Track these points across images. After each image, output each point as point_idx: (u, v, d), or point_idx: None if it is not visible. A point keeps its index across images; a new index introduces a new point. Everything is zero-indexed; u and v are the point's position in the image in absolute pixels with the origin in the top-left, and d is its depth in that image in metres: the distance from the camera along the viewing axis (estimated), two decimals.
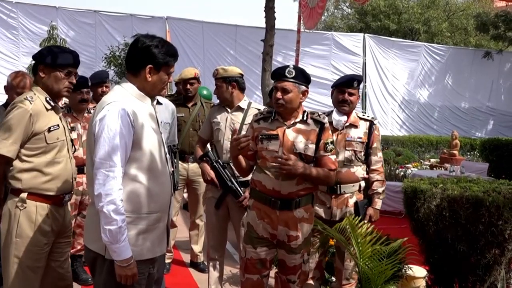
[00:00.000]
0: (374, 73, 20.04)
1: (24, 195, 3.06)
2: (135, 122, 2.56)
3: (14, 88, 4.05)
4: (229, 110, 4.35)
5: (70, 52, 3.29)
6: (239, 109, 4.35)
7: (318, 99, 17.61)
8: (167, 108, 3.80)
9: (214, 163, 4.16)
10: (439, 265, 4.01)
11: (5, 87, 4.12)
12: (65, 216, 3.29)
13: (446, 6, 28.01)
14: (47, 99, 3.15)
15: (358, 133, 4.07)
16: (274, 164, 3.23)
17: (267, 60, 14.31)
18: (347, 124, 4.08)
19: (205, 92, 6.62)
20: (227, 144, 4.18)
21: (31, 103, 3.06)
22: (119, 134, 2.48)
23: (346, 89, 4.07)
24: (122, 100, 2.58)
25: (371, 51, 20.00)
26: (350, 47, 19.76)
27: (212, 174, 4.20)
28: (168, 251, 5.38)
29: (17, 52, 16.72)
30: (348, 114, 4.09)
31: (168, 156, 2.82)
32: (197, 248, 5.49)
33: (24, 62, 15.17)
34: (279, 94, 3.33)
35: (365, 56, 19.87)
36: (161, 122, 3.64)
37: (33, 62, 3.23)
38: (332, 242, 4.33)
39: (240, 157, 3.46)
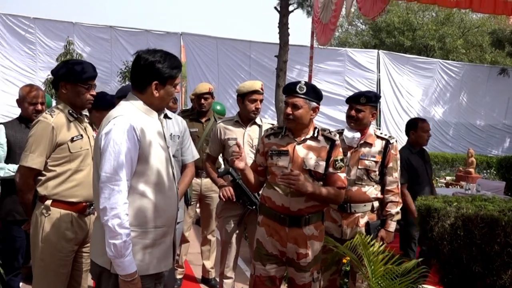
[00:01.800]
0: (388, 90, 19.93)
1: (48, 202, 3.18)
2: (141, 136, 2.54)
3: (26, 99, 4.13)
4: (245, 126, 4.32)
5: (88, 65, 3.37)
6: (255, 124, 4.33)
7: (332, 115, 17.57)
8: (176, 122, 3.78)
9: (238, 180, 4.11)
10: (454, 285, 3.91)
11: (17, 100, 4.17)
12: (90, 226, 3.34)
13: (461, 22, 27.92)
14: (70, 111, 3.28)
15: (372, 151, 3.98)
16: (283, 179, 3.17)
17: (281, 75, 14.36)
18: (362, 142, 4.00)
19: (218, 107, 6.62)
20: (247, 160, 4.12)
21: (52, 117, 3.21)
22: (125, 148, 2.47)
23: (354, 105, 4.02)
24: (129, 114, 2.56)
25: (386, 68, 19.92)
26: (364, 63, 19.71)
27: (232, 191, 4.15)
28: (180, 267, 5.36)
29: (34, 66, 16.95)
30: (362, 131, 4.02)
31: (175, 170, 2.79)
32: (209, 263, 5.44)
33: (41, 77, 15.37)
34: (289, 110, 3.30)
35: (379, 73, 19.79)
36: (171, 135, 3.63)
37: (50, 76, 3.33)
38: (345, 261, 4.25)
39: (248, 171, 3.42)
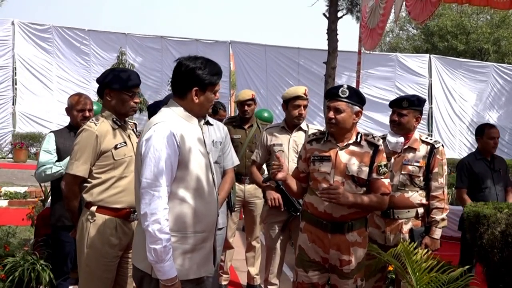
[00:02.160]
0: (440, 95, 19.51)
1: (93, 208, 3.24)
2: (181, 142, 2.57)
3: (74, 106, 4.23)
4: (291, 131, 4.32)
5: (132, 73, 3.45)
6: (300, 129, 4.34)
7: (382, 121, 17.31)
8: (218, 128, 3.81)
9: (281, 186, 4.12)
10: None
11: (66, 109, 4.29)
12: (134, 231, 3.38)
13: None
14: (114, 119, 3.35)
15: (416, 156, 3.89)
16: (323, 194, 3.15)
17: (330, 82, 14.27)
18: (406, 146, 3.93)
19: (266, 114, 6.63)
20: (292, 166, 4.10)
21: (96, 125, 3.27)
22: (165, 154, 2.50)
23: (396, 109, 3.96)
24: (169, 121, 2.60)
25: (437, 72, 19.51)
26: (415, 68, 19.38)
27: (278, 196, 4.17)
28: (225, 273, 5.39)
29: (89, 77, 17.50)
30: (406, 135, 3.95)
31: (215, 176, 2.81)
32: (254, 270, 5.43)
33: (95, 87, 15.60)
34: (331, 114, 3.27)
35: (431, 77, 19.40)
36: (213, 141, 3.66)
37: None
38: (391, 268, 4.16)
39: (290, 180, 3.42)
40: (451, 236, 7.77)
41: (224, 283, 5.38)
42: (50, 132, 4.35)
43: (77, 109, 4.21)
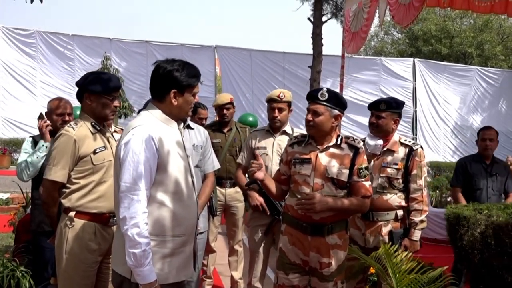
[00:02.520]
0: (424, 98, 19.67)
1: (72, 213, 3.19)
2: (159, 145, 2.56)
3: (54, 111, 4.20)
4: (274, 134, 4.33)
5: (112, 77, 3.43)
6: (285, 133, 4.35)
7: (367, 124, 17.42)
8: (199, 132, 3.81)
9: (264, 190, 4.12)
10: None
11: (46, 113, 4.26)
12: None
13: (500, 29, 27.40)
14: (93, 123, 3.31)
15: (395, 159, 3.91)
16: (299, 207, 3.18)
17: (315, 86, 14.38)
18: (385, 149, 3.95)
19: (250, 118, 6.63)
20: (275, 169, 4.09)
21: (74, 129, 3.23)
22: (143, 158, 2.49)
23: (374, 111, 4.00)
24: (147, 124, 2.59)
25: (422, 76, 19.67)
26: (400, 72, 19.53)
27: (261, 200, 4.17)
28: (208, 277, 5.37)
29: (73, 82, 17.08)
30: (385, 138, 3.98)
31: (195, 180, 2.80)
32: (237, 274, 5.41)
33: None
34: (309, 116, 3.29)
35: (415, 81, 19.55)
36: (194, 145, 3.65)
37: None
38: (373, 270, 4.18)
39: (268, 180, 3.44)
40: (434, 239, 7.83)
41: (207, 287, 5.36)
42: (30, 136, 4.33)
43: (57, 113, 4.18)
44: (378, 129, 3.96)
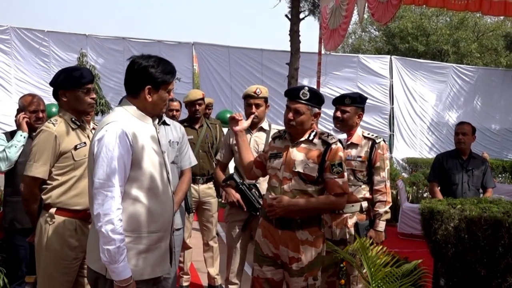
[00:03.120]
0: (401, 95, 19.83)
1: (52, 210, 3.19)
2: (133, 141, 2.55)
3: (27, 108, 4.18)
4: (251, 131, 4.33)
5: (84, 70, 3.42)
6: (262, 129, 4.35)
7: None
8: (175, 128, 3.80)
9: (240, 186, 4.15)
10: None
11: (18, 110, 4.22)
12: None
13: (475, 26, 27.76)
14: (73, 119, 3.30)
15: (359, 152, 4.03)
16: (268, 211, 3.23)
17: (293, 83, 14.38)
18: (349, 143, 4.05)
19: (229, 115, 6.62)
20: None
21: (55, 126, 3.22)
22: (117, 154, 2.48)
23: (339, 106, 4.08)
24: (121, 120, 2.58)
25: (398, 73, 19.83)
26: (377, 69, 19.64)
27: (237, 196, 4.18)
28: (185, 274, 5.36)
29: (48, 79, 16.84)
30: (349, 132, 4.06)
31: (170, 175, 2.80)
32: (214, 271, 5.41)
33: None
34: (291, 115, 3.30)
35: (392, 78, 19.71)
36: (170, 141, 3.64)
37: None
38: (345, 264, 4.22)
39: (244, 139, 3.66)
40: (411, 234, 7.93)
41: (185, 284, 5.36)
42: (2, 132, 4.29)
43: (30, 110, 4.15)
44: (343, 123, 4.07)
